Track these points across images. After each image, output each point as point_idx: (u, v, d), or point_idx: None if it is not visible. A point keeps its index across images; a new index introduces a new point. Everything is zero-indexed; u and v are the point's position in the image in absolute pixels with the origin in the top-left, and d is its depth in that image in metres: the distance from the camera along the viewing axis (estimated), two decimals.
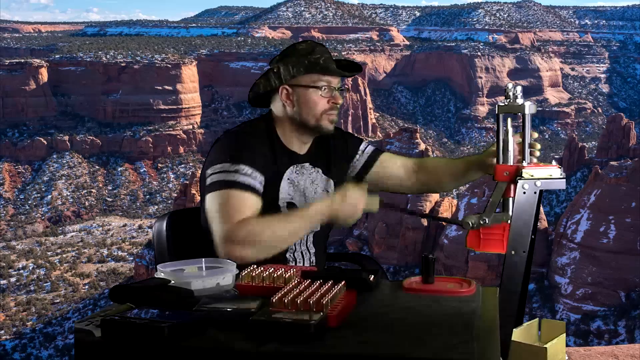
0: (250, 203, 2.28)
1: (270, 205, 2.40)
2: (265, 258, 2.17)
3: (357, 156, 2.65)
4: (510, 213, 2.17)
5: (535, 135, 2.28)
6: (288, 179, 2.45)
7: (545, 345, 2.09)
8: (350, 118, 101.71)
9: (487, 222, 2.18)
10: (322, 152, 2.57)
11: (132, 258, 71.59)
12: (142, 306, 1.72)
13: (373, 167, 2.65)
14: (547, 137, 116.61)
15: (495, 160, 2.33)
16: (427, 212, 62.37)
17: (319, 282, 1.83)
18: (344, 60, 2.50)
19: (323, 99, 2.42)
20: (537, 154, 2.27)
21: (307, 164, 2.51)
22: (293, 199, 2.45)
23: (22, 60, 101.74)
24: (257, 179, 2.33)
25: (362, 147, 2.66)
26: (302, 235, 2.36)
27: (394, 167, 2.67)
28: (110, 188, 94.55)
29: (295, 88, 2.43)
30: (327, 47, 2.51)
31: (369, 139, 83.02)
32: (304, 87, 2.42)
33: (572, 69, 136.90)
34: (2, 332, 60.80)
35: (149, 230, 76.63)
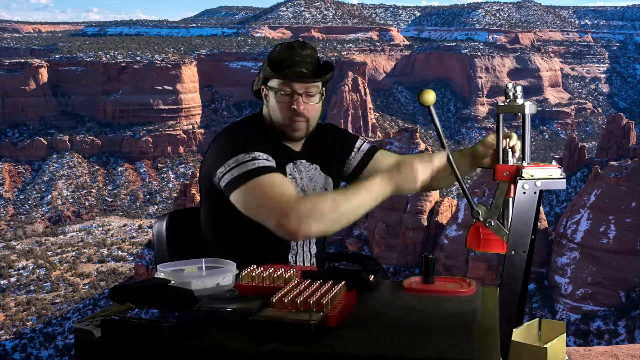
0: (286, 181, 2.24)
1: None
2: (334, 232, 2.12)
3: (353, 153, 2.63)
4: (510, 213, 2.17)
5: (514, 138, 2.26)
6: (289, 174, 2.44)
7: (545, 345, 2.09)
8: (350, 118, 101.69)
9: (492, 224, 2.18)
10: (320, 148, 2.56)
11: (132, 258, 71.55)
12: (142, 306, 1.72)
13: (368, 164, 2.63)
14: (547, 137, 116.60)
15: (486, 152, 2.35)
16: (426, 211, 62.38)
17: (319, 282, 1.83)
18: (323, 63, 2.43)
19: (282, 104, 2.38)
20: (518, 154, 2.23)
21: (303, 161, 2.50)
22: None
23: (22, 60, 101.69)
24: (273, 162, 2.30)
25: (357, 144, 2.64)
26: (367, 210, 2.18)
27: (388, 164, 2.61)
28: (110, 188, 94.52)
29: (269, 90, 2.43)
30: (311, 49, 2.42)
31: (369, 139, 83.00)
32: (271, 90, 2.41)
33: (572, 69, 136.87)
34: (2, 332, 60.78)
35: (149, 230, 76.61)
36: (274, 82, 2.39)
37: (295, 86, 2.36)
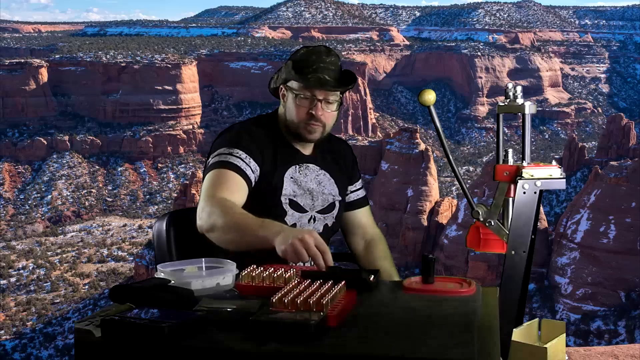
0: (237, 185, 2.31)
1: (272, 199, 2.43)
2: (222, 244, 2.17)
3: (352, 188, 2.70)
4: (510, 213, 2.17)
5: None
6: (291, 177, 2.48)
7: (545, 345, 2.09)
8: (350, 118, 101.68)
9: (492, 224, 2.18)
10: (332, 159, 2.62)
11: (132, 258, 71.53)
12: (142, 306, 1.72)
13: (353, 212, 2.70)
14: (547, 137, 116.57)
15: None
16: (426, 211, 62.37)
17: (319, 282, 1.83)
18: (345, 71, 2.47)
19: (301, 108, 2.42)
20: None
21: (312, 165, 2.54)
22: (296, 197, 2.47)
23: (22, 60, 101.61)
24: (250, 165, 2.37)
25: (358, 184, 2.72)
26: (245, 239, 2.10)
27: (360, 224, 2.72)
28: (110, 188, 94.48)
29: (288, 90, 2.47)
30: (336, 56, 2.45)
31: (369, 139, 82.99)
32: (290, 91, 2.45)
33: (572, 69, 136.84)
34: (2, 332, 60.77)
35: (149, 230, 76.57)
36: (294, 84, 2.43)
37: (316, 92, 2.40)
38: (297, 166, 2.49)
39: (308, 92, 2.40)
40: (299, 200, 2.47)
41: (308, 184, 2.50)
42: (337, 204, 2.58)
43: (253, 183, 2.38)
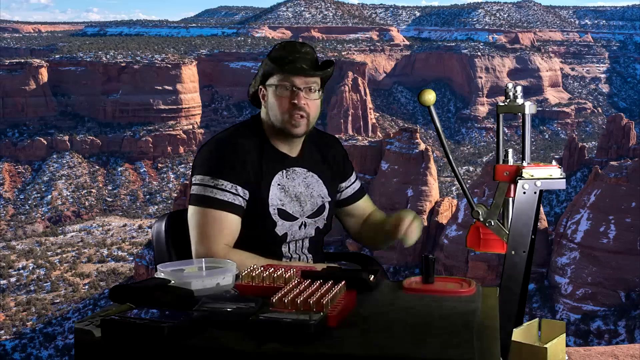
0: (229, 224, 2.31)
1: (260, 212, 2.39)
2: None
3: (346, 183, 2.67)
4: (510, 213, 2.17)
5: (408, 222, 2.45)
6: (278, 184, 2.43)
7: (545, 345, 2.09)
8: (350, 118, 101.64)
9: (492, 224, 2.17)
10: (321, 158, 2.57)
11: (132, 258, 71.55)
12: (142, 306, 1.72)
13: (351, 205, 2.69)
14: (547, 137, 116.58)
15: (396, 226, 2.42)
16: (426, 211, 62.36)
17: (319, 282, 1.83)
18: (323, 62, 2.45)
19: (282, 99, 2.39)
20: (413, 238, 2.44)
21: (298, 168, 2.49)
22: (284, 205, 2.43)
23: (22, 60, 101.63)
24: (238, 194, 2.34)
25: (352, 177, 2.69)
26: None
27: (360, 213, 2.71)
28: (110, 188, 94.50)
29: (267, 88, 2.44)
30: (310, 47, 2.45)
31: (369, 139, 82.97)
32: (269, 86, 2.43)
33: (572, 69, 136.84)
34: (2, 332, 60.77)
35: (149, 230, 76.55)
36: (273, 79, 2.40)
37: (296, 81, 2.37)
38: (284, 171, 2.45)
39: (287, 83, 2.37)
40: (287, 209, 2.43)
41: (296, 188, 2.46)
42: (327, 205, 2.55)
43: (245, 207, 2.37)
